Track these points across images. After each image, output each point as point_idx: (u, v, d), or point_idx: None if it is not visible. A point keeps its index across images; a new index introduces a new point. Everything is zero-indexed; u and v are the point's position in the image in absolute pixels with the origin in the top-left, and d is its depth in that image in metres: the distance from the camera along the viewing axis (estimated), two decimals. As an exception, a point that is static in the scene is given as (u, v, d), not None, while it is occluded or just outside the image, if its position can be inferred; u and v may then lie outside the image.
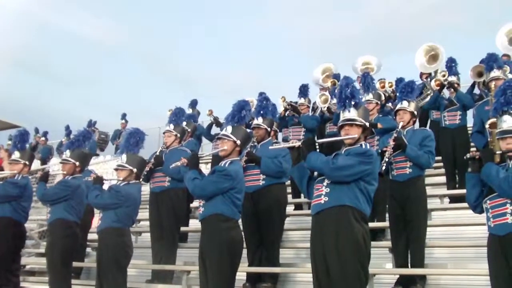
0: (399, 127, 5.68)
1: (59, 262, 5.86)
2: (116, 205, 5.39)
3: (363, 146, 4.14)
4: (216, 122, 10.40)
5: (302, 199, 7.95)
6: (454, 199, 7.43)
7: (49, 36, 50.19)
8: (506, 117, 4.12)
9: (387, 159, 5.40)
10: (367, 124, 4.26)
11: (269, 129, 6.19)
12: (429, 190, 6.54)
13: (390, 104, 8.25)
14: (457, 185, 7.58)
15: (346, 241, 3.87)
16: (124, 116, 14.69)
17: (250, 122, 6.85)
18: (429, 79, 8.76)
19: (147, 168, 6.40)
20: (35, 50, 49.35)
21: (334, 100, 8.43)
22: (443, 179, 8.00)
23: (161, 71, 55.48)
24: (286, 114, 9.04)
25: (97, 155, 13.43)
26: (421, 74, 9.80)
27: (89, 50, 51.51)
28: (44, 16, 50.79)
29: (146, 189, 7.26)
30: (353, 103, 4.26)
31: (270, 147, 4.83)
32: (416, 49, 9.06)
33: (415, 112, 5.85)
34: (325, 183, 4.06)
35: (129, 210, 5.47)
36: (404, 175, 5.49)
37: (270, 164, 5.82)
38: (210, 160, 10.36)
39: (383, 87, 8.98)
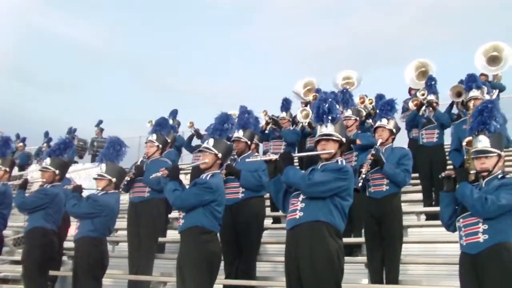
0: (378, 144, 5.78)
1: (36, 270, 5.83)
2: (93, 215, 5.39)
3: (339, 162, 4.18)
4: (197, 134, 10.39)
5: (281, 212, 7.95)
6: (430, 216, 7.50)
7: (28, 40, 49.52)
8: (481, 137, 4.17)
9: (364, 175, 5.47)
10: (344, 139, 4.29)
11: (249, 142, 6.22)
12: (406, 207, 6.63)
13: (370, 121, 8.35)
14: (433, 203, 7.66)
15: (320, 256, 3.89)
16: (99, 123, 14.58)
17: (231, 135, 6.91)
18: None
19: (127, 178, 6.38)
20: (13, 53, 48.66)
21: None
22: (420, 196, 8.08)
23: (143, 80, 55.08)
24: (267, 128, 9.09)
25: (76, 162, 13.35)
26: (410, 89, 9.95)
27: (69, 55, 50.81)
28: (25, 19, 50.13)
29: (124, 198, 7.23)
30: (330, 118, 4.28)
31: (247, 160, 4.90)
32: (403, 63, 9.30)
33: (394, 130, 5.95)
34: (300, 198, 4.05)
35: (106, 219, 5.47)
36: (381, 192, 5.56)
37: (250, 177, 5.84)
38: (190, 172, 10.36)
39: (363, 102, 9.12)
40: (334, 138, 4.23)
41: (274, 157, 4.28)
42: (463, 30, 47.81)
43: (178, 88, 52.46)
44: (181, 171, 5.49)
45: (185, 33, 57.03)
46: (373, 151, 5.66)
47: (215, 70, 56.58)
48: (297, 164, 9.49)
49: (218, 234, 4.90)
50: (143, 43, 56.20)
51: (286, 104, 9.32)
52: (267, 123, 9.08)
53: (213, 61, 56.10)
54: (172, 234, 7.78)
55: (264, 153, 8.99)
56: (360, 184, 5.38)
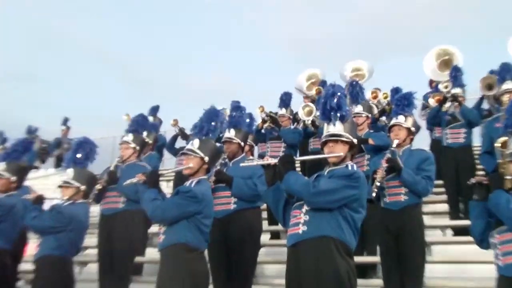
0: (394, 145, 5.76)
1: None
2: (57, 229, 5.34)
3: (349, 167, 4.15)
4: (182, 134, 10.37)
5: (281, 226, 7.93)
6: (458, 231, 7.50)
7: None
8: None
9: (378, 183, 5.46)
10: (355, 140, 4.28)
11: (242, 143, 6.20)
12: (428, 220, 6.60)
13: (384, 118, 8.35)
14: (461, 215, 7.65)
15: (327, 278, 3.85)
16: (65, 121, 14.49)
17: (221, 135, 6.89)
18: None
19: (98, 186, 6.33)
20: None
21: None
22: (445, 207, 8.08)
23: (119, 71, 55.00)
24: (264, 127, 9.11)
25: (37, 167, 13.29)
26: (431, 82, 9.94)
27: (26, 40, 50.09)
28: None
29: (95, 210, 7.18)
30: (338, 115, 4.28)
31: (241, 164, 4.87)
32: (422, 51, 9.26)
33: (413, 129, 5.93)
34: (303, 210, 4.03)
35: (73, 235, 5.41)
36: (399, 202, 5.54)
37: (243, 185, 5.84)
38: (173, 178, 10.34)
39: (376, 97, 9.12)
40: (344, 139, 4.22)
41: (272, 161, 4.25)
42: (493, 16, 47.92)
43: (161, 82, 52.56)
44: (161, 177, 5.47)
45: (168, 20, 57.10)
46: (388, 154, 5.65)
47: (203, 62, 56.68)
48: (299, 169, 9.51)
49: (206, 252, 4.86)
50: (119, 30, 56.16)
51: (285, 99, 9.34)
52: (263, 121, 9.11)
53: (201, 52, 56.22)
54: (151, 253, 7.72)
55: (260, 156, 9.02)
56: (374, 194, 5.36)
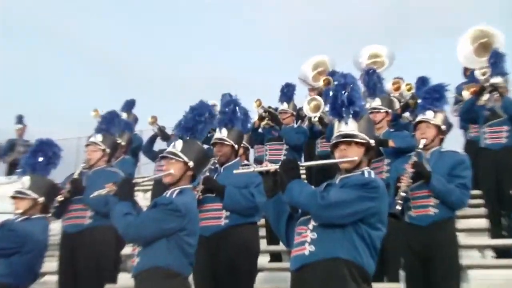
0: (420, 146, 5.76)
1: None
2: (10, 251, 5.33)
3: (366, 174, 4.17)
4: (162, 133, 10.37)
5: (282, 246, 7.93)
6: (501, 252, 7.50)
7: None
8: None
9: (403, 194, 5.44)
10: (372, 141, 4.29)
11: (236, 145, 6.22)
12: (464, 239, 6.58)
13: (408, 115, 8.36)
14: (504, 232, 7.63)
15: (339, 310, 3.88)
16: (20, 119, 14.44)
17: (210, 135, 6.89)
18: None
19: (59, 198, 6.32)
20: None
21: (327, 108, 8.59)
22: (484, 222, 8.06)
23: (87, 60, 54.72)
24: (261, 125, 9.14)
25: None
26: (465, 70, 9.88)
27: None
28: None
29: (56, 227, 7.19)
30: (351, 111, 4.29)
31: (235, 172, 4.84)
32: (454, 33, 9.24)
33: (443, 127, 5.93)
34: (310, 226, 4.04)
35: (29, 258, 5.40)
36: (427, 216, 5.54)
37: (238, 196, 5.84)
38: (151, 187, 10.35)
39: (398, 89, 9.15)
40: (358, 140, 4.23)
41: (272, 167, 4.26)
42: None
43: (137, 73, 52.38)
44: (137, 187, 5.47)
45: (147, 3, 56.93)
46: (414, 158, 5.65)
47: (188, 50, 56.54)
48: (304, 177, 9.50)
49: (190, 278, 4.87)
50: (88, 12, 55.90)
51: (287, 92, 9.39)
52: (261, 118, 9.16)
53: (185, 40, 56.04)
54: (125, 279, 7.70)
55: (257, 161, 9.02)
56: (399, 207, 5.34)
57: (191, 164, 4.90)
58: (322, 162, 5.24)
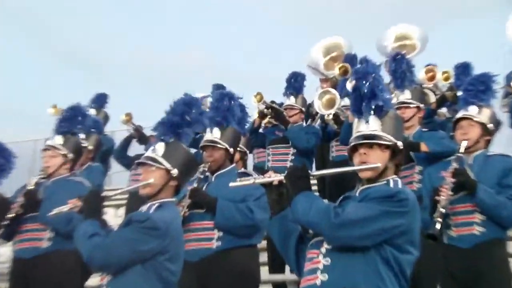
0: (461, 150, 5.71)
1: None
2: None
3: (392, 184, 4.13)
4: (139, 134, 10.35)
5: (288, 275, 7.94)
6: None
7: None
8: None
9: (443, 210, 5.36)
10: (400, 144, 4.23)
11: (231, 149, 6.20)
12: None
13: (444, 110, 8.32)
14: None
15: None
16: None
17: (199, 137, 6.86)
18: None
19: (9, 215, 6.29)
20: None
21: (345, 101, 8.53)
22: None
23: (47, 46, 54.97)
24: (263, 124, 9.13)
25: None
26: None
27: None
28: None
29: (6, 252, 7.16)
30: (373, 107, 4.24)
31: (231, 185, 4.74)
32: (500, 10, 9.21)
33: (490, 125, 5.89)
34: (323, 250, 3.99)
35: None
36: (471, 237, 5.49)
37: (233, 211, 5.81)
38: (124, 202, 10.32)
39: (432, 78, 9.10)
40: (382, 142, 4.18)
41: (276, 177, 4.24)
42: None
43: (110, 61, 52.63)
44: (107, 201, 5.39)
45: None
46: (454, 164, 5.58)
47: (173, 35, 56.71)
48: (316, 188, 9.50)
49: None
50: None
51: (294, 83, 9.40)
52: (262, 116, 9.15)
53: (170, 26, 56.34)
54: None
55: (257, 169, 8.98)
56: (437, 225, 5.26)
57: (174, 172, 4.83)
58: (337, 170, 5.03)
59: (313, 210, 3.97)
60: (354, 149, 4.25)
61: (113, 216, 10.54)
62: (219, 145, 6.11)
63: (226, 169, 6.17)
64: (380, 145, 4.17)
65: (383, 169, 4.16)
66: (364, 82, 4.31)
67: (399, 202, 3.93)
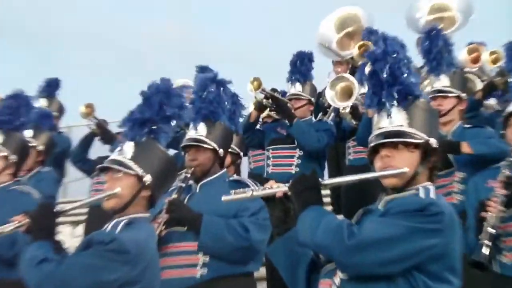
0: None
1: None
2: None
3: (422, 193, 4.11)
4: (102, 131, 10.30)
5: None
6: None
7: None
8: None
9: (492, 230, 5.34)
10: (433, 142, 4.21)
11: (221, 150, 6.21)
12: None
13: (492, 102, 8.35)
14: None
15: None
16: None
17: (179, 134, 6.91)
18: None
19: None
20: None
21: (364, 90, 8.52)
22: None
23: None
24: (261, 119, 9.15)
25: None
26: None
27: None
28: None
29: None
30: (397, 97, 4.22)
31: (224, 198, 4.74)
32: None
33: None
34: (337, 280, 4.00)
35: None
36: (529, 265, 5.51)
37: (222, 230, 5.80)
38: (84, 218, 10.32)
39: (477, 61, 9.08)
40: (410, 140, 4.18)
41: (279, 188, 4.26)
42: None
43: (66, 36, 52.51)
44: (62, 217, 5.42)
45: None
46: (506, 172, 5.57)
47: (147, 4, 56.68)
48: (329, 200, 9.56)
49: None
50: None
51: (301, 66, 9.37)
52: (260, 108, 9.10)
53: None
54: None
55: (253, 176, 9.02)
56: (486, 251, 5.25)
57: (147, 179, 4.80)
58: (355, 178, 4.92)
59: (322, 229, 3.95)
60: (375, 150, 4.24)
61: (70, 236, 10.50)
62: (205, 145, 6.12)
63: (215, 175, 6.18)
64: (407, 145, 4.15)
65: (412, 175, 4.14)
66: (383, 64, 4.28)
67: (431, 217, 3.90)
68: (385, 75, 4.26)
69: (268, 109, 9.12)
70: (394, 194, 4.20)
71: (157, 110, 5.14)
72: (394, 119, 4.23)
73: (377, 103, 4.31)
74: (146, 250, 4.68)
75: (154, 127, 5.09)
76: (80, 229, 10.78)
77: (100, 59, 48.34)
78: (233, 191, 4.48)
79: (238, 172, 7.68)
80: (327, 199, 9.30)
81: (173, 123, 5.25)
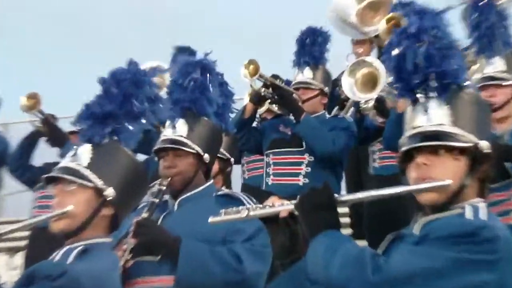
0: None
1: None
2: None
3: (469, 214, 4.08)
4: (50, 130, 10.30)
5: None
6: None
7: None
8: None
9: None
10: (485, 146, 4.17)
11: (206, 155, 6.19)
12: None
13: None
14: None
15: None
16: None
17: (152, 134, 6.92)
18: None
19: None
20: None
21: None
22: None
23: None
24: (259, 114, 9.14)
25: None
26: None
27: None
28: None
29: None
30: (435, 85, 4.21)
31: (211, 220, 4.72)
32: None
33: None
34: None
35: None
36: None
37: (207, 259, 5.78)
38: (25, 243, 10.32)
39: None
40: (454, 143, 4.15)
41: (283, 206, 4.24)
42: None
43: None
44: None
45: None
46: None
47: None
48: (348, 220, 9.58)
49: None
50: None
51: (311, 46, 9.39)
52: (257, 100, 9.07)
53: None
54: None
55: (249, 189, 9.02)
56: None
57: (109, 192, 4.78)
58: (381, 193, 4.85)
59: (338, 262, 3.91)
60: (408, 156, 4.22)
61: (5, 267, 10.54)
62: (186, 148, 6.09)
63: (198, 189, 6.16)
64: (450, 149, 4.11)
65: (457, 188, 4.11)
66: (416, 44, 4.27)
67: (482, 245, 3.85)
68: (420, 58, 4.20)
69: (268, 101, 9.07)
70: (433, 215, 4.15)
71: (121, 103, 5.06)
72: (433, 115, 4.19)
73: (410, 94, 4.27)
74: (107, 286, 4.66)
75: (118, 125, 5.03)
76: (19, 258, 10.78)
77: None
78: (223, 210, 4.44)
79: (228, 183, 7.69)
80: (345, 220, 9.32)
81: (144, 120, 5.20)
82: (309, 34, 9.38)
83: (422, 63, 4.20)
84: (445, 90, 4.20)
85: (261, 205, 4.33)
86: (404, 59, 4.26)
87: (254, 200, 4.79)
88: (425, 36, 4.25)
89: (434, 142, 4.12)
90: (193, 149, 6.11)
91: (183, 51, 7.29)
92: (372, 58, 8.84)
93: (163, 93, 6.22)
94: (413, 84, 4.25)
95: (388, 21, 9.12)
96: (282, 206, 4.23)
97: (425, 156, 4.13)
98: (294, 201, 4.19)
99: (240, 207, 4.45)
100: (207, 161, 6.23)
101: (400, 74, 4.30)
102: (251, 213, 4.30)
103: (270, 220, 4.26)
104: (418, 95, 4.26)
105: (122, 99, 5.08)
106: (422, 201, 4.17)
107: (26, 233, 9.76)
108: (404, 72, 4.27)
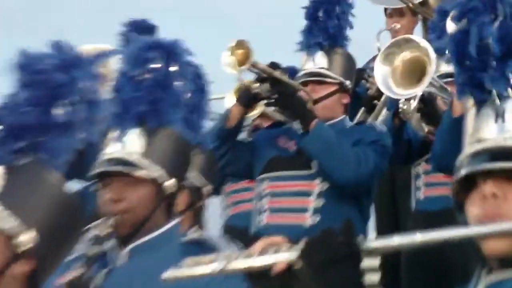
0: None
1: None
2: None
3: None
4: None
5: None
6: None
7: None
8: None
9: None
10: None
11: (171, 181, 6.10)
12: None
13: None
14: None
15: None
16: None
17: (90, 149, 6.84)
18: None
19: None
20: None
21: (446, 67, 8.39)
22: None
23: None
24: (251, 120, 9.10)
25: None
26: None
27: None
28: None
29: None
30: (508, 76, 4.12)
31: (164, 276, 4.65)
32: None
33: None
34: None
35: None
36: None
37: None
38: None
39: None
40: None
41: (278, 255, 4.08)
42: None
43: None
44: None
45: None
46: None
47: None
48: (378, 280, 9.56)
49: None
50: None
51: (327, 20, 9.25)
52: (247, 99, 8.98)
53: None
54: None
55: (231, 230, 8.96)
56: None
57: (27, 239, 4.67)
58: (430, 237, 4.85)
59: None
60: (470, 183, 4.11)
61: None
62: (138, 173, 6.01)
63: (155, 233, 6.11)
64: None
65: None
66: (487, 15, 4.17)
67: None
68: (492, 38, 4.04)
69: (263, 102, 8.96)
70: (504, 271, 4.01)
71: (45, 106, 4.84)
72: (509, 121, 4.03)
73: (477, 91, 4.12)
74: None
75: (39, 138, 4.88)
76: None
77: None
78: (188, 259, 4.31)
79: (201, 224, 7.58)
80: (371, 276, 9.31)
81: (77, 131, 5.05)
82: (323, 2, 9.21)
83: (498, 46, 3.99)
84: None
85: (245, 251, 4.14)
86: (467, 39, 4.07)
87: (237, 246, 4.67)
88: (501, 3, 4.06)
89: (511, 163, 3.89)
90: (150, 174, 5.98)
91: (138, 28, 7.18)
92: (417, 37, 8.74)
93: (107, 90, 6.07)
94: (481, 75, 4.04)
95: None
96: (277, 255, 4.03)
97: (497, 183, 3.93)
98: (297, 247, 4.00)
99: (214, 255, 4.26)
100: (170, 191, 6.10)
101: (462, 60, 4.11)
102: (230, 265, 4.08)
103: (258, 277, 4.08)
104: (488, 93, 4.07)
105: (44, 100, 4.87)
106: (488, 251, 4.01)
107: None
108: (468, 58, 4.07)
